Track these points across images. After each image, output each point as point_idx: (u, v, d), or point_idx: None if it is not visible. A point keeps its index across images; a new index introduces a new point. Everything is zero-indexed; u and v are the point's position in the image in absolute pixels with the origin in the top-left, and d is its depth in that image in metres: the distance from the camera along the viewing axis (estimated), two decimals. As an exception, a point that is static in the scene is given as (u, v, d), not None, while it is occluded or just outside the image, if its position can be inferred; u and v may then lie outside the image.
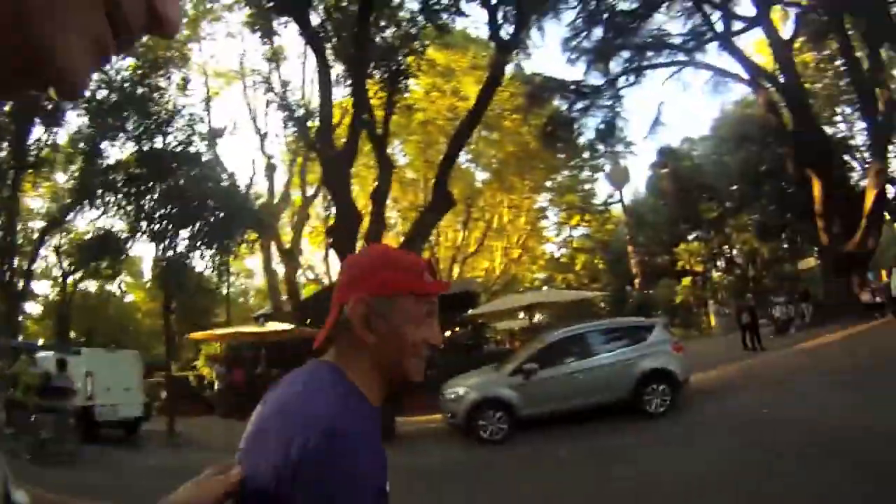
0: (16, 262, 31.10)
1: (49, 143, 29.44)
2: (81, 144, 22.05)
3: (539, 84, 30.36)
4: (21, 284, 32.01)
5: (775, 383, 14.21)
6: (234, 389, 22.00)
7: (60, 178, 32.25)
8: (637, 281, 43.83)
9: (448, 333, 23.90)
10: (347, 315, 1.33)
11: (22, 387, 13.24)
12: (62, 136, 29.16)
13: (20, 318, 34.26)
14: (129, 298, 54.14)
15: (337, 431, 1.15)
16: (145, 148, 19.45)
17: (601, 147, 35.37)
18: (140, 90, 19.40)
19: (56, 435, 12.94)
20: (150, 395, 19.81)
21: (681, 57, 30.56)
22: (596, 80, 30.41)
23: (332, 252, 42.62)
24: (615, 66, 30.26)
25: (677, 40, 30.21)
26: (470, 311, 24.84)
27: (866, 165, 31.34)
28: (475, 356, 21.37)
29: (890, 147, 28.56)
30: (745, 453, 8.87)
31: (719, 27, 29.01)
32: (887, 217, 30.44)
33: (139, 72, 19.51)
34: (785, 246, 42.72)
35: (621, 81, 30.57)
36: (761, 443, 9.18)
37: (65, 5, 0.48)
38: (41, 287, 43.82)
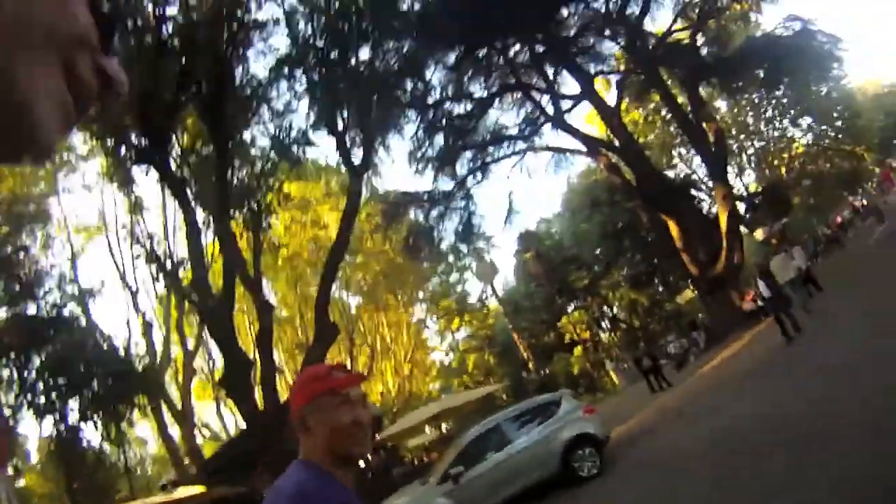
0: None
1: None
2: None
3: (393, 200, 31.22)
4: None
5: (677, 415, 14.89)
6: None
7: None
8: (531, 364, 44.09)
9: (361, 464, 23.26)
10: (294, 427, 1.71)
11: None
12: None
13: None
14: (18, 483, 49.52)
15: (302, 493, 1.54)
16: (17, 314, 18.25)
17: (463, 248, 36.16)
18: (5, 249, 18.36)
19: None
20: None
21: (520, 145, 32.38)
22: (446, 184, 31.76)
23: (223, 405, 40.95)
24: (461, 167, 31.80)
25: (514, 131, 32.26)
26: (376, 437, 24.12)
27: (712, 193, 33.30)
28: (385, 482, 20.90)
29: (728, 169, 30.53)
30: (660, 485, 9.27)
31: (550, 110, 30.95)
32: (745, 231, 32.20)
33: (3, 229, 18.52)
34: (660, 289, 44.49)
35: (470, 181, 32.07)
36: (671, 473, 9.57)
37: (32, 71, 0.48)
38: None
